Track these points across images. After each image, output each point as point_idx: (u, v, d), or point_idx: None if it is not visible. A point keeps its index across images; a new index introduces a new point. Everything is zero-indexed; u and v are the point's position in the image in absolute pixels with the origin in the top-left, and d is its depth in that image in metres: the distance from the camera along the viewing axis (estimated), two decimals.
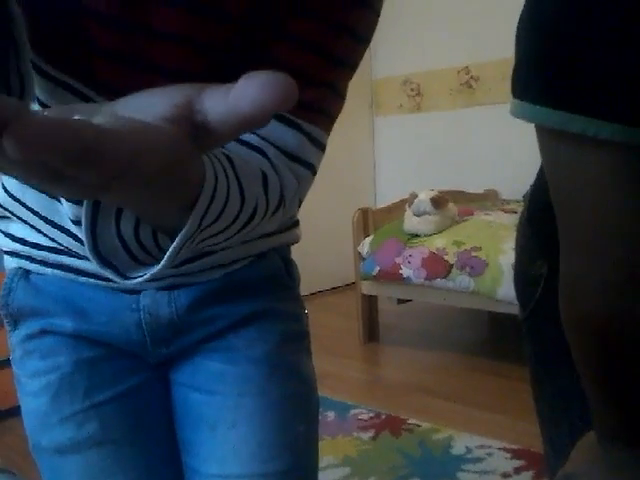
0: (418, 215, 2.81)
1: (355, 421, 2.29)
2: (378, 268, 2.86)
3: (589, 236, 0.50)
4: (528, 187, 0.76)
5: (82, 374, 0.66)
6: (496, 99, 3.80)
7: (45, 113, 0.27)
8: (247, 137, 0.54)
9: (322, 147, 0.59)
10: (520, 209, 0.80)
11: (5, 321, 0.68)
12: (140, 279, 0.45)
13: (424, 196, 2.81)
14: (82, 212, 0.44)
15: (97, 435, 0.65)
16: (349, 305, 3.36)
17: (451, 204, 2.91)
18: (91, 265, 0.61)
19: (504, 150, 3.79)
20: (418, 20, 4.10)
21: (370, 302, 3.11)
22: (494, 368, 2.71)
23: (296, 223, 0.74)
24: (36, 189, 0.58)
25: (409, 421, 2.26)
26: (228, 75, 0.33)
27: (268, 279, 0.71)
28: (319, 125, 0.58)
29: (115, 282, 0.47)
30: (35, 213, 0.59)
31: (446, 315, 3.54)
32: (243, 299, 0.69)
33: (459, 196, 3.32)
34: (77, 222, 0.55)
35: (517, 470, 1.90)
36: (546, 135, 0.49)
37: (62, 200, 0.55)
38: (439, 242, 2.73)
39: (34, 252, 0.64)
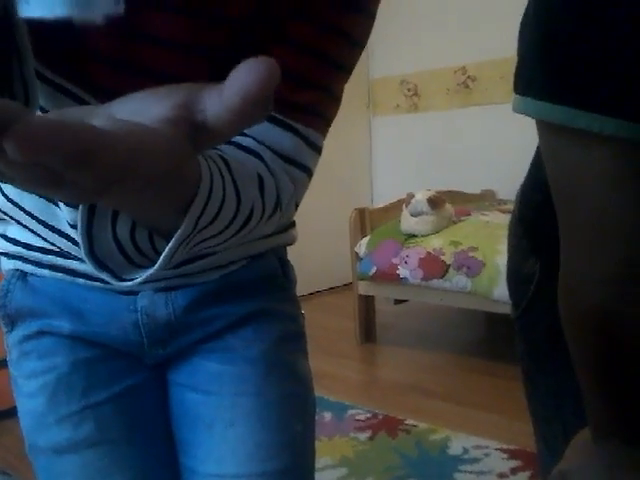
0: (415, 215, 2.81)
1: (352, 421, 2.30)
2: (375, 268, 2.86)
3: (590, 233, 0.50)
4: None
5: (79, 374, 0.66)
6: (493, 99, 3.80)
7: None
8: (243, 140, 0.54)
9: (318, 150, 0.60)
10: None
11: (2, 322, 0.68)
12: (136, 281, 0.45)
13: (421, 196, 2.82)
14: (78, 215, 0.44)
15: (94, 435, 0.65)
16: (346, 305, 3.36)
17: (448, 204, 2.91)
18: (88, 267, 0.61)
19: (501, 150, 3.80)
20: (415, 20, 4.11)
21: (367, 302, 3.12)
22: (491, 368, 2.71)
23: (292, 224, 0.74)
24: (34, 193, 0.58)
25: (406, 421, 2.26)
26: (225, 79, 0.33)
27: (265, 280, 0.71)
28: (315, 128, 0.58)
29: (112, 284, 0.47)
30: (33, 217, 0.59)
31: (443, 315, 3.55)
32: (240, 300, 0.69)
33: (456, 196, 3.32)
34: (75, 226, 0.55)
35: (513, 470, 1.90)
36: (549, 131, 0.49)
37: (61, 205, 0.55)
38: (436, 242, 2.74)
39: (32, 254, 0.64)
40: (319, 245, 4.02)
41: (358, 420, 2.30)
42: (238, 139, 0.54)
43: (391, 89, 4.35)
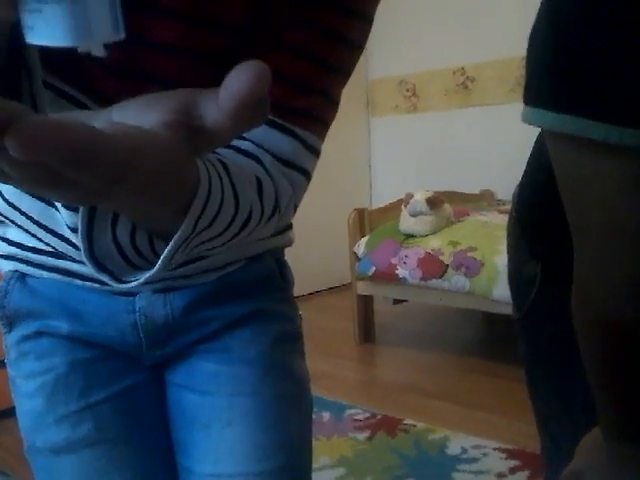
0: (414, 215, 2.81)
1: (351, 421, 2.30)
2: (374, 268, 2.87)
3: (604, 241, 0.50)
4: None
5: (77, 375, 0.66)
6: (492, 100, 3.81)
7: None
8: (242, 144, 0.54)
9: (317, 153, 0.60)
10: None
11: (0, 323, 0.69)
12: (135, 283, 0.45)
13: (420, 196, 2.82)
14: (78, 217, 0.44)
15: (92, 435, 0.66)
16: (345, 305, 3.36)
17: (447, 204, 2.92)
18: (87, 269, 0.62)
19: (500, 151, 3.80)
20: (414, 20, 4.11)
21: (366, 302, 3.12)
22: (489, 368, 2.71)
23: (289, 226, 0.74)
24: (32, 195, 0.58)
25: (405, 421, 2.27)
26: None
27: (262, 281, 0.71)
28: (314, 131, 0.58)
29: (111, 285, 0.47)
30: (31, 219, 0.59)
31: (442, 315, 3.55)
32: (237, 301, 0.69)
33: (455, 196, 3.32)
34: (75, 229, 0.56)
35: (512, 470, 1.90)
36: (561, 141, 0.48)
37: (60, 208, 0.55)
38: (435, 242, 2.74)
39: (30, 256, 0.64)
40: (318, 245, 4.03)
41: (357, 420, 2.31)
42: (237, 143, 0.54)
43: (390, 90, 4.35)
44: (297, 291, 0.77)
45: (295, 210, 0.62)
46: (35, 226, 0.60)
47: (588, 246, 0.51)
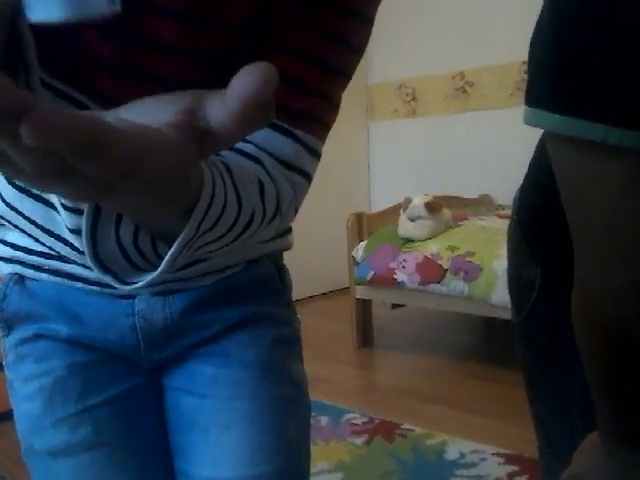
0: (412, 220, 2.82)
1: (348, 426, 2.29)
2: (372, 273, 2.87)
3: (605, 244, 0.50)
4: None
5: (76, 378, 0.66)
6: (491, 104, 3.82)
7: None
8: (244, 146, 0.55)
9: (317, 155, 0.60)
10: None
11: None
12: (139, 285, 0.45)
13: (418, 201, 2.82)
14: (83, 219, 0.44)
15: (90, 439, 0.65)
16: (343, 310, 3.36)
17: (445, 209, 2.92)
18: (86, 271, 0.62)
19: (499, 155, 3.81)
20: (413, 25, 4.12)
21: (364, 307, 3.12)
22: (488, 373, 2.71)
23: (289, 230, 0.74)
24: (34, 198, 0.58)
25: (403, 426, 2.26)
26: (227, 85, 0.34)
27: (261, 284, 0.71)
28: (315, 134, 0.58)
29: (110, 288, 0.47)
30: (32, 222, 0.59)
31: (440, 320, 3.55)
32: (236, 304, 0.69)
33: (453, 201, 3.33)
34: (75, 231, 0.55)
35: (510, 475, 1.90)
36: (561, 143, 0.49)
37: (60, 209, 0.55)
38: (433, 247, 2.74)
39: (30, 258, 0.64)
40: (316, 249, 4.03)
41: (355, 424, 2.30)
42: (239, 145, 0.54)
43: (389, 94, 4.36)
44: (295, 295, 0.77)
45: (296, 213, 0.62)
46: (36, 228, 0.60)
47: (588, 247, 0.52)
